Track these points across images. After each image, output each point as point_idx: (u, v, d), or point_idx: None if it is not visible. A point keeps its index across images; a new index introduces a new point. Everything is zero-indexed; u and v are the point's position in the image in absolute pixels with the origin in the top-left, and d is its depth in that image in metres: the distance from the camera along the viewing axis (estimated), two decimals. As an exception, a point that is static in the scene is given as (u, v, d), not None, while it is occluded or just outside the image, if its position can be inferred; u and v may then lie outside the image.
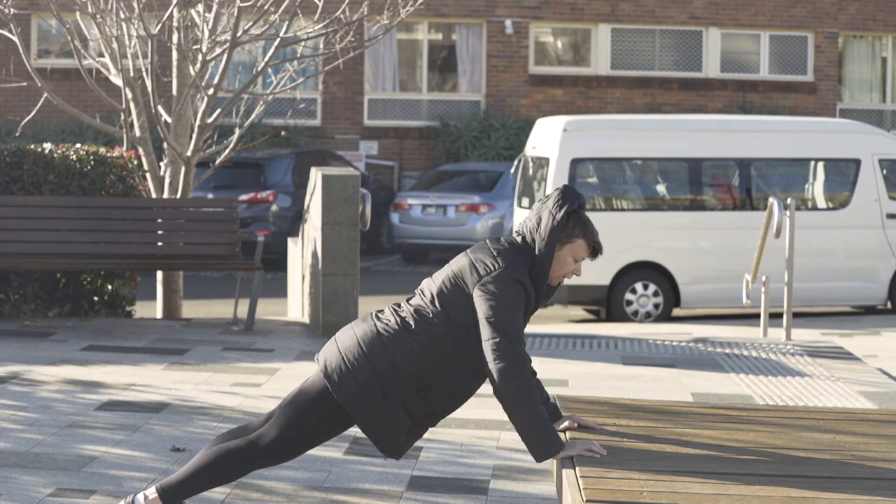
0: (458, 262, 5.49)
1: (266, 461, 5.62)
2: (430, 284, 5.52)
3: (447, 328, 5.41)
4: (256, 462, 5.60)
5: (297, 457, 5.67)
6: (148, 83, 12.70)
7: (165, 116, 13.24)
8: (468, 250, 5.53)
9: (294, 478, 7.02)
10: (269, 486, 6.85)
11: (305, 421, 5.53)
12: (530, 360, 5.39)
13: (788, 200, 13.36)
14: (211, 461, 5.59)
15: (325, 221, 11.99)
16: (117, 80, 13.11)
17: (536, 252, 5.42)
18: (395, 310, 5.55)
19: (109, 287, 13.16)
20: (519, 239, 5.49)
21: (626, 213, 16.09)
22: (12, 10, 12.60)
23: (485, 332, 5.31)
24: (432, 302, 5.45)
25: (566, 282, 15.54)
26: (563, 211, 5.42)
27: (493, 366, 5.27)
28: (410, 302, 5.55)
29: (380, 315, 5.56)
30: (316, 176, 12.47)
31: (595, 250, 5.50)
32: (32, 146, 12.98)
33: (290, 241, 15.47)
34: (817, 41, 27.71)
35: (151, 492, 5.62)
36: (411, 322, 5.45)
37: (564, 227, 5.43)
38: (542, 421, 5.23)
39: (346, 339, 5.52)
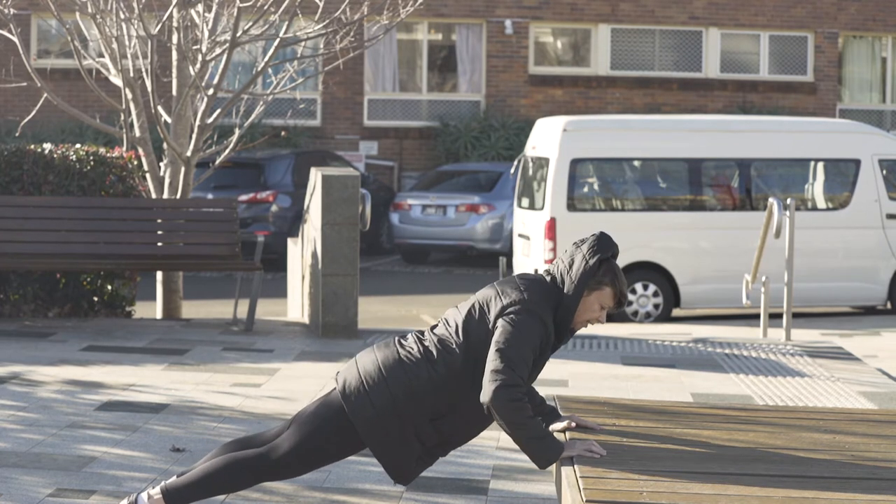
0: (484, 293, 5.50)
1: (275, 475, 5.61)
2: (456, 314, 5.52)
3: (466, 359, 5.40)
4: (265, 475, 5.59)
5: (305, 473, 5.67)
6: (148, 83, 12.70)
7: (165, 117, 13.24)
8: (496, 282, 5.55)
9: (294, 478, 7.02)
10: (270, 487, 6.85)
11: (318, 439, 5.52)
12: (525, 398, 5.34)
13: (788, 201, 13.36)
14: (220, 469, 5.57)
15: (325, 221, 11.99)
16: (117, 81, 13.11)
17: (565, 293, 5.42)
18: (418, 338, 5.54)
19: (109, 287, 13.16)
20: (548, 278, 5.49)
21: (625, 214, 16.09)
22: (12, 10, 12.60)
23: (491, 354, 5.30)
24: (456, 332, 5.45)
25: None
26: (596, 257, 5.43)
27: (487, 386, 5.25)
28: (435, 331, 5.54)
29: (402, 342, 5.56)
30: (316, 176, 12.47)
31: (620, 301, 5.50)
32: (32, 146, 12.98)
33: (290, 241, 15.47)
34: (817, 41, 27.71)
35: (156, 492, 5.61)
36: (434, 351, 5.45)
37: (595, 274, 5.44)
38: (540, 430, 5.23)
39: (368, 362, 5.52)
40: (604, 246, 5.47)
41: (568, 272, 5.45)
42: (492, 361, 5.28)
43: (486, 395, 5.24)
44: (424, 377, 5.41)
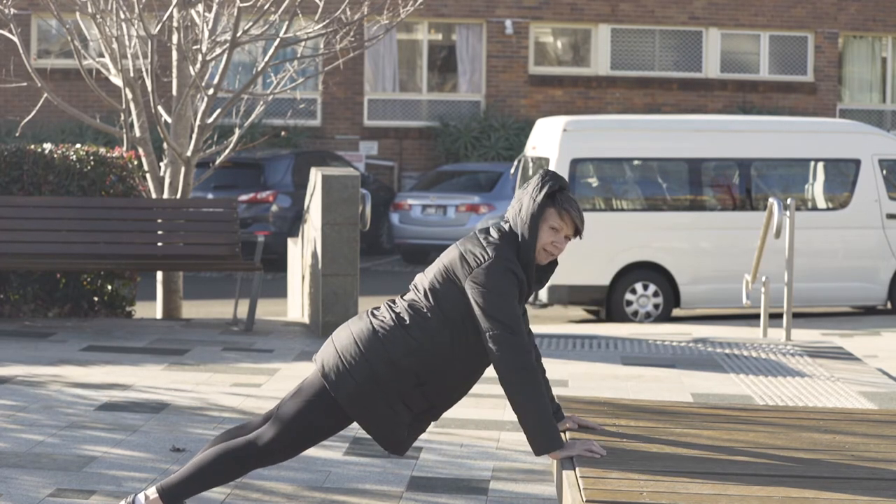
0: (449, 255, 5.49)
1: (265, 460, 5.62)
2: (423, 279, 5.53)
3: (442, 322, 5.40)
4: (256, 461, 5.61)
5: (296, 455, 5.68)
6: (148, 83, 12.70)
7: (165, 116, 13.24)
8: (458, 242, 5.53)
9: (294, 478, 7.02)
10: (270, 487, 6.85)
11: (304, 420, 5.53)
12: (533, 350, 5.38)
13: (788, 201, 13.36)
14: (210, 461, 5.59)
15: (325, 221, 11.99)
16: (117, 81, 13.11)
17: (520, 237, 5.42)
18: (389, 306, 5.55)
19: (109, 287, 13.16)
20: (507, 227, 5.49)
21: (625, 213, 16.08)
22: (12, 10, 12.60)
23: (482, 323, 5.31)
24: (426, 296, 5.45)
25: (566, 282, 15.56)
26: (542, 192, 5.42)
27: (494, 357, 5.28)
28: (405, 297, 5.55)
29: (375, 312, 5.56)
30: (316, 176, 12.47)
31: (575, 225, 5.45)
32: (32, 146, 12.98)
33: (290, 241, 15.47)
34: (817, 41, 27.71)
35: (152, 492, 5.62)
36: (406, 318, 5.45)
37: (546, 207, 5.43)
38: (546, 414, 5.24)
39: (343, 337, 5.52)
40: (549, 179, 5.45)
41: (518, 214, 5.45)
42: (487, 330, 5.29)
43: (498, 367, 5.26)
44: (401, 343, 5.41)
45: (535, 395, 5.25)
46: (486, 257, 5.37)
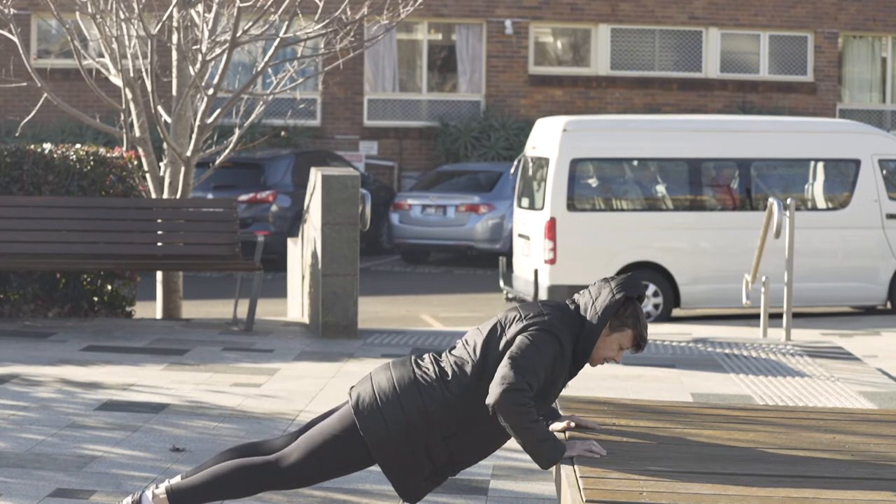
0: (507, 314, 5.52)
1: (283, 484, 5.59)
2: (476, 335, 5.53)
3: (480, 380, 5.39)
4: (273, 482, 5.58)
5: (312, 485, 5.66)
6: (148, 83, 12.70)
7: (165, 117, 13.24)
8: (518, 304, 5.57)
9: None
10: (269, 486, 6.84)
11: (328, 452, 5.51)
12: (532, 405, 5.34)
13: (788, 201, 13.36)
14: (227, 474, 5.56)
15: (325, 221, 11.99)
16: (117, 81, 13.11)
17: (587, 321, 5.43)
18: (435, 359, 5.55)
19: (109, 287, 13.16)
20: (572, 306, 5.50)
21: (626, 213, 16.08)
22: (12, 10, 12.60)
23: (503, 363, 5.30)
24: (474, 351, 5.45)
25: (566, 282, 15.55)
26: (622, 293, 5.44)
27: (494, 388, 5.25)
28: (453, 352, 5.55)
29: (419, 362, 5.56)
30: (316, 176, 12.47)
31: (639, 344, 5.51)
32: (32, 146, 12.98)
33: (290, 241, 15.47)
34: (817, 41, 27.71)
35: (161, 491, 5.59)
36: (448, 372, 5.46)
37: (619, 310, 5.45)
38: (543, 432, 5.23)
39: (383, 379, 5.52)
40: (632, 285, 5.50)
41: (593, 303, 5.46)
42: (501, 367, 5.29)
43: (491, 398, 5.25)
44: (438, 398, 5.41)
45: (530, 421, 5.22)
46: (542, 321, 5.39)
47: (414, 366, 5.54)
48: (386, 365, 5.61)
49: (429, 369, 5.49)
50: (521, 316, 5.44)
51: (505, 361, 5.29)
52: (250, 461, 5.57)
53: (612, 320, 5.44)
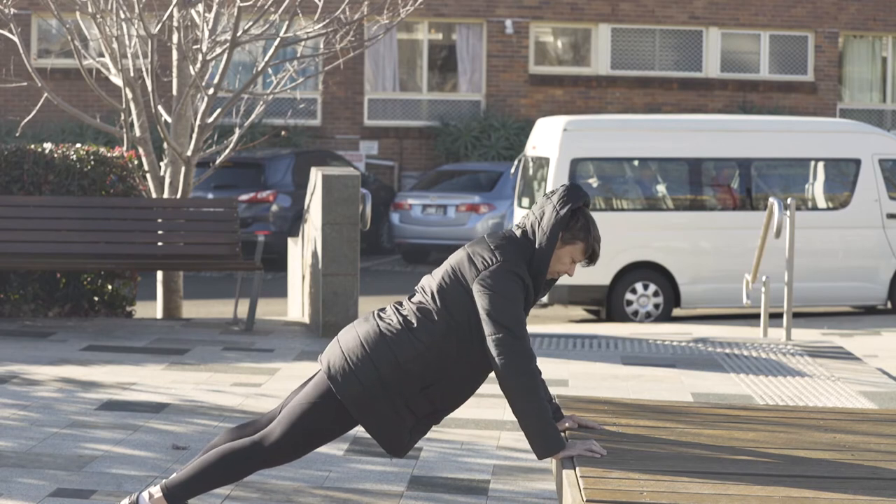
0: (457, 257, 5.49)
1: (271, 461, 5.61)
2: (430, 281, 5.52)
3: (448, 325, 5.40)
4: (261, 462, 5.60)
5: (301, 457, 5.67)
6: (148, 83, 12.70)
7: (165, 116, 13.24)
8: (466, 245, 5.53)
9: (294, 477, 7.03)
10: (270, 486, 6.85)
11: (309, 421, 5.52)
12: (535, 357, 5.38)
13: (788, 200, 13.36)
14: (215, 461, 5.58)
15: (325, 221, 12.00)
16: (117, 80, 13.11)
17: (537, 246, 5.42)
18: (396, 308, 5.54)
19: (109, 287, 13.16)
20: (518, 232, 5.48)
21: (626, 213, 16.08)
22: (12, 10, 12.60)
23: (487, 327, 5.30)
24: (432, 298, 5.45)
25: (566, 282, 15.56)
26: (567, 207, 5.41)
27: (497, 361, 5.27)
28: (412, 300, 5.54)
29: (381, 314, 5.55)
30: (316, 176, 12.47)
31: (591, 257, 5.51)
32: (32, 146, 12.98)
33: (290, 241, 15.47)
34: (817, 41, 27.71)
35: (156, 490, 5.61)
36: (413, 321, 5.45)
37: (568, 224, 5.43)
38: (546, 418, 5.23)
39: (349, 339, 5.52)
40: (574, 195, 5.45)
41: (539, 223, 5.44)
42: (491, 334, 5.28)
43: (499, 371, 5.25)
44: (408, 347, 5.40)
45: (536, 399, 5.24)
46: (495, 260, 5.36)
47: (377, 319, 5.52)
48: (350, 325, 5.61)
49: (392, 320, 5.48)
50: (472, 259, 5.40)
51: (489, 326, 5.28)
52: (236, 444, 5.59)
53: (563, 233, 5.42)
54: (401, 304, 5.56)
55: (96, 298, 13.09)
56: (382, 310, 5.59)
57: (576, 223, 5.44)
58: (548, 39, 28.02)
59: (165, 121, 13.21)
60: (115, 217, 12.41)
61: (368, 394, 5.41)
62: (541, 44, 27.77)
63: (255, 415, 8.62)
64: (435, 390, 5.46)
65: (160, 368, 10.23)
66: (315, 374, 5.61)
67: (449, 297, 5.41)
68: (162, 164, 13.33)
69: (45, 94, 12.79)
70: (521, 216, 17.08)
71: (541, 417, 5.22)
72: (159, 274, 13.40)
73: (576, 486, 4.73)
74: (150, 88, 12.62)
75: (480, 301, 5.33)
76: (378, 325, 5.48)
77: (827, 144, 16.42)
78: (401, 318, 5.47)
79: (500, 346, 5.26)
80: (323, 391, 5.50)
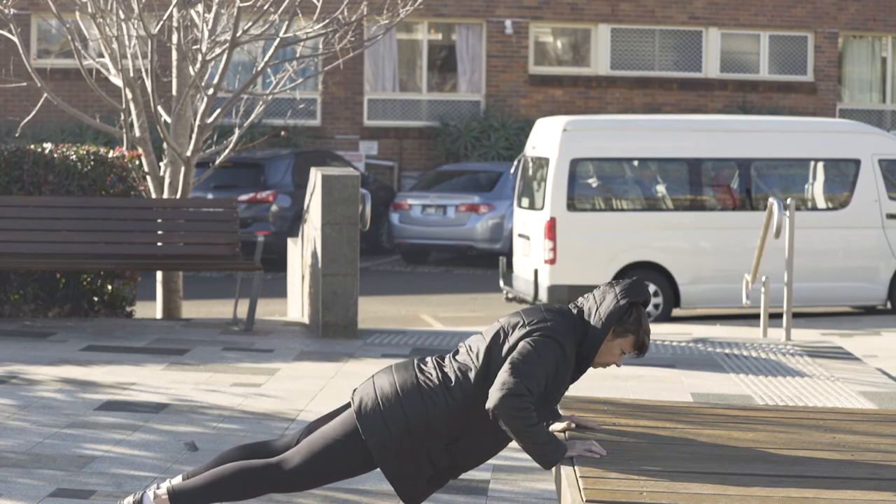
0: (509, 319, 5.49)
1: (284, 487, 5.59)
2: (480, 340, 5.50)
3: (483, 385, 5.37)
4: (274, 485, 5.57)
5: (313, 489, 5.66)
6: (148, 83, 12.70)
7: (165, 116, 13.24)
8: (521, 309, 5.55)
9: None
10: (269, 486, 6.84)
11: (330, 456, 5.50)
12: (532, 409, 5.32)
13: (788, 200, 13.36)
14: (228, 476, 5.55)
15: (325, 221, 11.99)
16: (117, 81, 13.11)
17: (591, 326, 5.42)
18: (438, 363, 5.53)
19: (109, 287, 13.16)
20: (575, 310, 5.49)
21: (626, 213, 16.07)
22: (12, 10, 12.59)
23: (504, 369, 5.29)
24: (477, 357, 5.43)
25: (566, 282, 15.57)
26: (627, 299, 5.43)
27: (494, 393, 5.24)
28: (456, 357, 5.53)
29: (423, 366, 5.54)
30: (316, 176, 12.47)
31: (640, 350, 5.50)
32: (32, 146, 12.98)
33: (290, 241, 15.47)
34: (817, 41, 27.71)
35: (162, 491, 5.59)
36: (451, 378, 5.44)
37: (623, 315, 5.44)
38: (543, 437, 5.21)
39: (385, 384, 5.50)
40: (636, 291, 5.48)
41: (597, 309, 5.45)
42: (502, 373, 5.28)
43: (491, 402, 5.24)
44: (441, 404, 5.40)
45: (530, 425, 5.21)
46: (545, 326, 5.37)
47: (417, 370, 5.52)
48: (388, 368, 5.59)
49: (431, 374, 5.48)
50: (524, 322, 5.42)
51: (506, 367, 5.28)
52: (252, 464, 5.57)
53: (616, 326, 5.43)
54: (443, 359, 5.55)
55: (96, 298, 13.09)
56: (423, 361, 5.57)
57: (629, 316, 5.45)
58: (547, 40, 28.01)
59: (165, 121, 13.20)
60: (115, 217, 12.41)
61: (393, 440, 5.41)
62: (540, 44, 27.77)
63: (255, 415, 8.63)
64: (459, 446, 5.47)
65: (160, 368, 10.22)
66: (343, 408, 5.59)
67: (493, 356, 5.41)
68: (162, 164, 13.33)
69: (45, 95, 12.79)
70: (520, 219, 17.19)
71: (538, 437, 5.20)
72: (159, 274, 13.40)
73: (575, 486, 4.73)
74: (149, 89, 12.62)
75: (515, 349, 5.33)
76: (416, 376, 5.48)
77: (827, 145, 16.42)
78: (440, 374, 5.47)
79: (503, 382, 5.23)
80: (349, 430, 5.49)
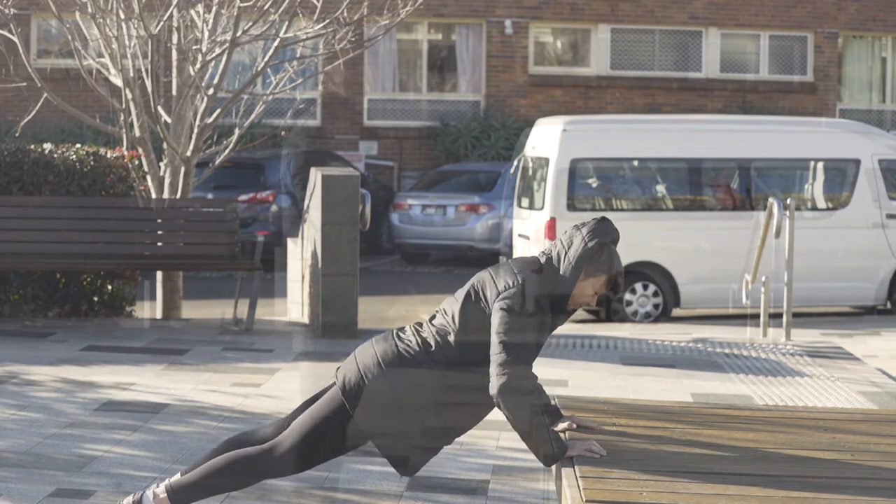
0: (479, 278, 5.50)
1: (278, 471, 5.61)
2: (452, 303, 5.52)
3: (463, 347, 5.39)
4: (268, 471, 5.60)
5: (308, 469, 5.67)
6: (148, 83, 12.70)
7: (165, 117, 13.24)
8: (490, 267, 5.55)
9: (294, 478, 7.01)
10: (270, 486, 6.85)
11: (321, 436, 5.52)
12: (535, 378, 5.33)
13: (788, 201, 13.36)
14: (222, 467, 5.57)
15: (326, 221, 11.99)
16: (117, 81, 13.10)
17: (561, 273, 5.42)
18: (416, 329, 5.54)
19: (109, 287, 13.16)
20: (543, 259, 5.49)
21: (625, 213, 16.07)
22: (12, 10, 12.59)
23: (494, 346, 5.30)
24: (453, 320, 5.45)
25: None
26: (595, 241, 5.43)
27: (494, 379, 5.25)
28: (433, 322, 5.54)
29: (401, 334, 5.55)
30: (316, 176, 12.47)
31: (614, 289, 5.50)
32: (32, 146, 12.98)
33: (289, 241, 15.47)
34: (817, 41, 27.71)
35: (161, 490, 5.61)
36: (431, 342, 5.46)
37: (593, 258, 5.43)
38: (545, 428, 5.22)
39: (367, 357, 5.51)
40: (604, 230, 5.47)
41: (566, 254, 5.45)
42: (497, 354, 5.28)
43: (493, 389, 5.25)
44: (424, 369, 5.41)
45: (532, 416, 5.22)
46: (517, 283, 5.37)
47: (396, 339, 5.53)
48: (369, 342, 5.61)
49: (411, 341, 5.49)
50: (494, 281, 5.42)
51: (497, 347, 5.28)
52: (245, 452, 5.59)
53: (587, 266, 5.43)
54: (421, 325, 5.57)
55: (96, 298, 13.09)
56: (402, 329, 5.59)
57: (600, 256, 5.44)
58: (547, 40, 28.01)
59: (165, 121, 13.20)
60: (115, 217, 12.41)
61: (381, 412, 5.42)
62: (540, 44, 27.77)
63: (255, 415, 8.62)
64: (447, 411, 5.47)
65: (160, 369, 10.23)
66: (329, 388, 5.61)
67: (468, 317, 5.42)
68: (161, 164, 13.33)
69: (45, 95, 12.79)
70: (519, 219, 17.17)
71: (539, 429, 5.21)
72: (159, 274, 13.40)
73: (575, 486, 4.73)
74: (149, 89, 12.62)
75: (495, 320, 5.33)
76: (396, 345, 5.49)
77: (826, 145, 16.42)
78: (419, 340, 5.48)
79: (501, 366, 5.25)
80: (336, 406, 5.50)
